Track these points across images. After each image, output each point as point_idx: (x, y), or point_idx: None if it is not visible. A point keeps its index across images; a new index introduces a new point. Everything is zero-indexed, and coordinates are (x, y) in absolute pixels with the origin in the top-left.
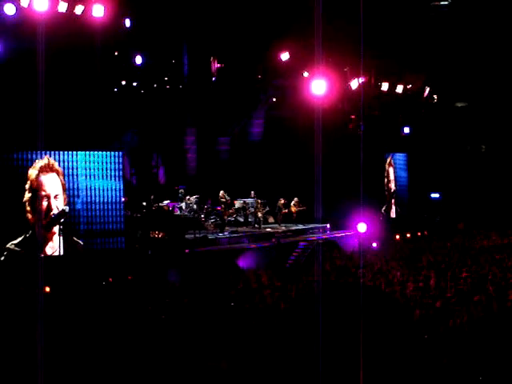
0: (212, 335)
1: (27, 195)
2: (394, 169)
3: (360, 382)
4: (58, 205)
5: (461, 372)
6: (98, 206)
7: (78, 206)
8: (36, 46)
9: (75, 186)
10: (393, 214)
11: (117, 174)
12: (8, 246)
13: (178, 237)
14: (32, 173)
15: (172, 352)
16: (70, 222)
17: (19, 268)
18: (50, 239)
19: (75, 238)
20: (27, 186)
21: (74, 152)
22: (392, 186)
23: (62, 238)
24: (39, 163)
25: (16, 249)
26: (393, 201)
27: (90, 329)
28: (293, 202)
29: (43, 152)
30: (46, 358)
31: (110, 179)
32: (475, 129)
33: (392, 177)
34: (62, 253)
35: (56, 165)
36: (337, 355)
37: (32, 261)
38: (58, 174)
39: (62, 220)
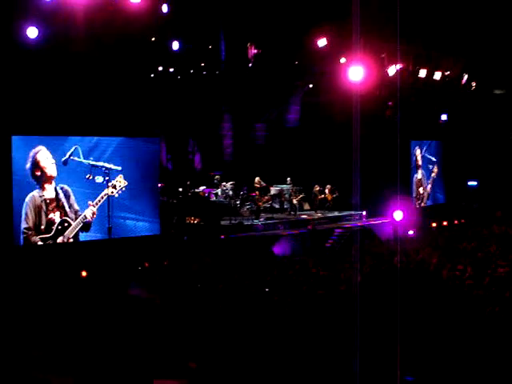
0: (246, 320)
1: None
2: (422, 158)
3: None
4: None
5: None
6: (133, 191)
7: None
8: (73, 31)
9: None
10: (423, 203)
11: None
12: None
13: (214, 223)
14: None
15: (207, 336)
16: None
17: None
18: None
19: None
20: None
21: (111, 138)
22: (419, 175)
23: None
24: None
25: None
26: (421, 189)
27: (125, 312)
28: (327, 190)
29: (80, 137)
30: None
31: (147, 165)
32: None
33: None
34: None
35: None
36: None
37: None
38: None
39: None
